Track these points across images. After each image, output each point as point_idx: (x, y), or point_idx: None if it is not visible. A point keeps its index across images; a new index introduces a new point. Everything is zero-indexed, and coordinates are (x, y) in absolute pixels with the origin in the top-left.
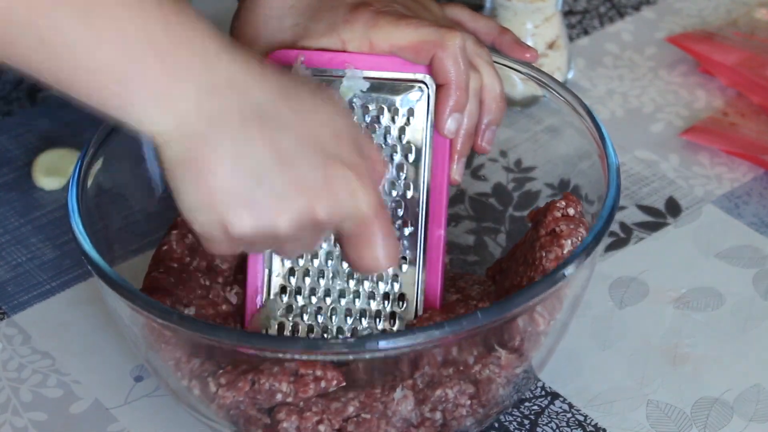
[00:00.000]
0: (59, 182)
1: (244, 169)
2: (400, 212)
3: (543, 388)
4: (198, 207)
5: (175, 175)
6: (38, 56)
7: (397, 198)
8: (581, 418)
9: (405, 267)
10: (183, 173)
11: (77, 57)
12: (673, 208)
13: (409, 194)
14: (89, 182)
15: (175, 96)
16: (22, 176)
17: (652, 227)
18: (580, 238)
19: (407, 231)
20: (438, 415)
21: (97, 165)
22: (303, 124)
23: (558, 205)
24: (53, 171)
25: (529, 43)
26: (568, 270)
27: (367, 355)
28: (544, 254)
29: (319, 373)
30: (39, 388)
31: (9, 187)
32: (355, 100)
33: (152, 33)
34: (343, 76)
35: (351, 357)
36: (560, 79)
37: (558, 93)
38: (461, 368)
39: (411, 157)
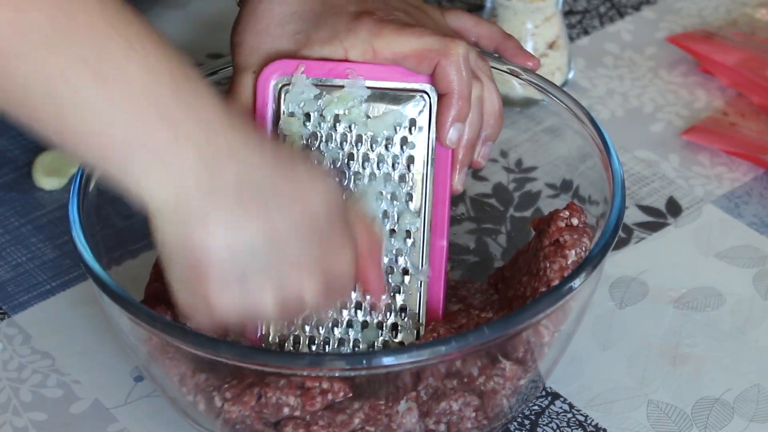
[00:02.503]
0: (59, 182)
1: (235, 248)
2: (403, 223)
3: (544, 388)
4: (185, 280)
5: (165, 246)
6: (45, 110)
7: (399, 209)
8: (582, 419)
9: (407, 279)
10: (174, 245)
11: (85, 116)
12: (674, 208)
13: (411, 205)
14: (90, 185)
15: (176, 164)
16: (22, 176)
17: (652, 227)
18: (584, 249)
19: (409, 242)
20: (443, 428)
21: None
22: (299, 202)
23: (562, 215)
24: (53, 171)
25: (530, 43)
26: (574, 283)
27: (372, 371)
28: (548, 265)
29: (325, 385)
30: (39, 388)
31: (9, 187)
32: (355, 110)
33: (161, 99)
34: (343, 86)
35: (354, 373)
36: (561, 79)
37: (559, 99)
38: (465, 380)
39: (413, 168)
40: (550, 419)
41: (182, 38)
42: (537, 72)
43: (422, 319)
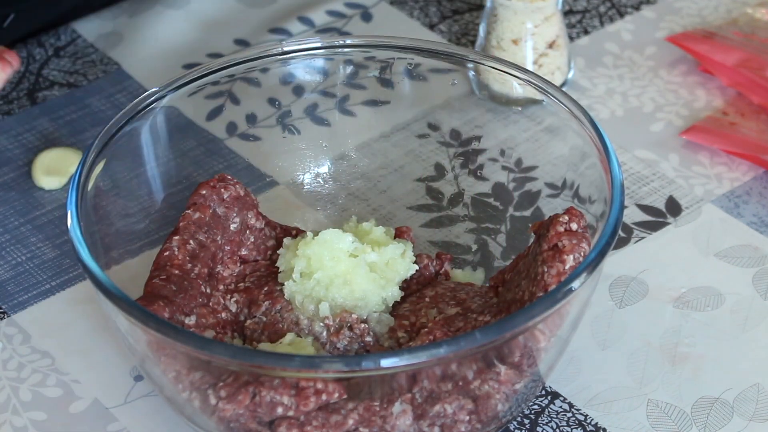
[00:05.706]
0: (59, 182)
1: None
2: None
3: (543, 387)
4: None
5: None
6: None
7: None
8: (581, 418)
9: None
10: None
11: None
12: (673, 207)
13: None
14: (90, 185)
15: None
16: (22, 176)
17: (652, 227)
18: (582, 254)
19: None
20: (436, 430)
21: (98, 169)
22: None
23: (561, 219)
24: (53, 171)
25: (529, 43)
26: (570, 287)
27: (366, 374)
28: (546, 269)
29: (320, 386)
30: (39, 388)
31: (9, 187)
32: None
33: None
34: None
35: (349, 375)
36: (560, 78)
37: (558, 99)
38: (460, 383)
39: None
40: (549, 418)
41: (182, 38)
42: (537, 72)
43: None
